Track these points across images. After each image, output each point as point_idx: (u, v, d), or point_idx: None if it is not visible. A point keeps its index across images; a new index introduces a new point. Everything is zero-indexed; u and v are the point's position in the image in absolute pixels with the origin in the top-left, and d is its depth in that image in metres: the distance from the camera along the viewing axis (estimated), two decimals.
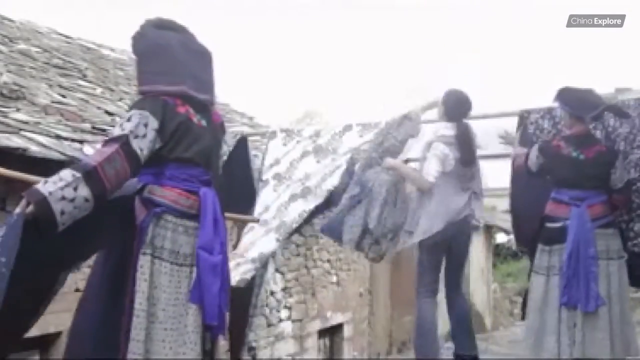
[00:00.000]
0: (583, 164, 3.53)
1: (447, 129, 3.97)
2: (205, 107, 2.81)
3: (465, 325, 4.18)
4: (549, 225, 3.63)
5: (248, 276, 3.89)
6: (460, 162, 3.92)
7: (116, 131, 2.59)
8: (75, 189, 2.38)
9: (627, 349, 3.58)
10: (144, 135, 2.56)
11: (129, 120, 2.58)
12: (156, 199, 2.64)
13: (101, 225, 2.60)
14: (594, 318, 3.46)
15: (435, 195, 3.90)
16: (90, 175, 2.42)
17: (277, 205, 4.10)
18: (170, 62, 2.72)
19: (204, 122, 2.77)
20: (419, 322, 4.08)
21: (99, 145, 2.77)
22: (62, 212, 2.35)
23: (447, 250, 4.04)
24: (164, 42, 2.74)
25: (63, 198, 2.35)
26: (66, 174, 2.41)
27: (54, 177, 2.39)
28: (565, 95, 3.57)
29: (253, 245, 3.99)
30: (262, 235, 4.04)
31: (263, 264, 4.12)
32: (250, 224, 4.16)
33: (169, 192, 2.65)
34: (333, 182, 4.00)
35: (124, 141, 2.52)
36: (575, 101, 3.54)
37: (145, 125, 2.57)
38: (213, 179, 2.79)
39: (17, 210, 2.35)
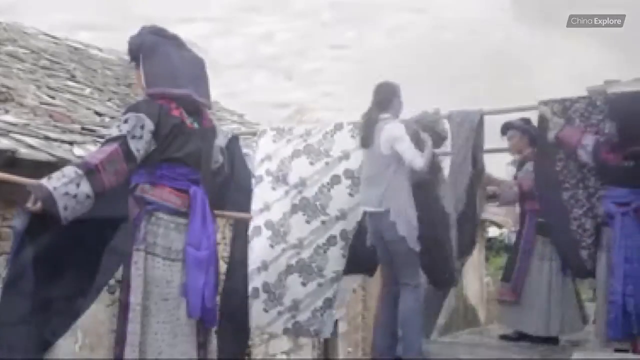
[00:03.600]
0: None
1: None
2: (197, 110, 2.92)
3: (407, 326, 3.73)
4: None
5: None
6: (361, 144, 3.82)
7: (114, 132, 2.68)
8: (77, 185, 2.45)
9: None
10: (141, 137, 2.66)
11: (125, 122, 2.68)
12: (148, 197, 2.73)
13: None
14: None
15: None
16: (92, 172, 2.51)
17: (283, 212, 4.00)
18: (172, 66, 2.84)
19: (195, 125, 2.88)
20: None
21: (99, 146, 2.88)
22: (65, 208, 2.43)
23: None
24: (164, 48, 2.87)
25: (66, 194, 2.43)
26: (69, 170, 2.49)
27: (57, 174, 2.47)
28: None
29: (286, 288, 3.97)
30: (277, 256, 3.95)
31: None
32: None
33: (161, 191, 2.74)
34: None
35: (122, 141, 2.62)
36: None
37: (142, 127, 2.67)
38: (203, 178, 2.88)
39: (27, 205, 2.44)
